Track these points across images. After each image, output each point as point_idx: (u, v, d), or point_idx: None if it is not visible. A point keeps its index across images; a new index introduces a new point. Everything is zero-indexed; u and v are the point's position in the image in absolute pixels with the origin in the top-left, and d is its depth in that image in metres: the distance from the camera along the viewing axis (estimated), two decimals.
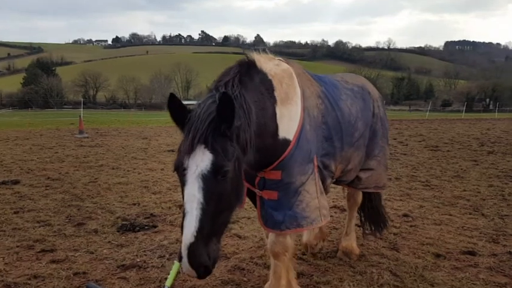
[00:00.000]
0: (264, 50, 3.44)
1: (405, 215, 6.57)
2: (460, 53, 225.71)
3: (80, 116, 21.73)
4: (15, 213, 6.50)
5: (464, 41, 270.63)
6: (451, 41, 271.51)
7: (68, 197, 7.54)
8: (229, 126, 2.54)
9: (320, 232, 4.92)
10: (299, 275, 4.37)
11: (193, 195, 2.43)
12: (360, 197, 4.84)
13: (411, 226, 6.05)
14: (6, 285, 4.06)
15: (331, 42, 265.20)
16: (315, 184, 3.40)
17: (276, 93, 3.16)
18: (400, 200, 7.62)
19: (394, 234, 5.67)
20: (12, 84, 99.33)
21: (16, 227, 5.83)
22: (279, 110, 3.16)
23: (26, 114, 44.85)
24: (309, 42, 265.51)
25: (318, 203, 3.41)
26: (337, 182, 4.27)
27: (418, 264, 4.66)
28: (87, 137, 18.58)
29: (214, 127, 2.52)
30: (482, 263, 4.73)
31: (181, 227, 2.44)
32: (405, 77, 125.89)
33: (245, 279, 4.28)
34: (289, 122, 3.22)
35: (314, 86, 3.64)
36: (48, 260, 4.69)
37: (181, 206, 2.76)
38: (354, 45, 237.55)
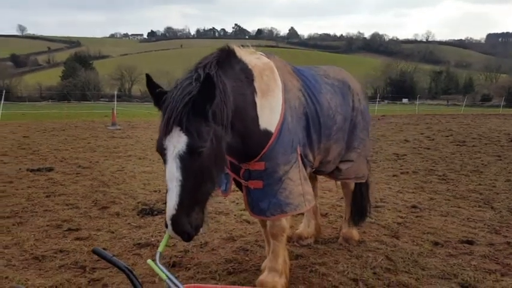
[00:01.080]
0: (246, 45, 3.62)
1: (413, 206, 6.73)
2: (502, 45, 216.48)
3: (112, 109, 22.61)
4: (47, 196, 7.10)
5: (507, 33, 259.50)
6: (494, 33, 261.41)
7: (96, 184, 8.11)
8: (210, 106, 2.77)
9: (315, 230, 5.17)
10: (298, 256, 4.70)
11: (172, 174, 2.68)
12: (352, 184, 5.06)
13: (417, 216, 6.23)
14: (35, 257, 4.58)
15: (367, 34, 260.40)
16: (298, 172, 3.64)
17: (256, 84, 3.36)
18: (413, 192, 7.78)
19: (398, 223, 5.88)
20: (51, 78, 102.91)
21: (47, 208, 6.40)
22: (259, 101, 3.36)
23: (64, 107, 46.70)
24: (344, 34, 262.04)
25: (302, 189, 3.65)
26: (317, 172, 4.48)
27: (414, 250, 4.88)
28: (119, 129, 19.39)
29: (189, 109, 2.70)
30: (478, 251, 4.90)
31: (165, 200, 2.75)
32: (443, 70, 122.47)
33: (247, 258, 4.63)
34: (270, 113, 3.43)
35: (295, 80, 3.85)
36: (73, 238, 5.20)
37: None
38: (391, 37, 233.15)
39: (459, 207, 6.73)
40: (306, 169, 3.86)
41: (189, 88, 2.79)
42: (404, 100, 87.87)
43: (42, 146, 13.21)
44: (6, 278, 4.05)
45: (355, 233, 5.14)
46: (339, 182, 5.16)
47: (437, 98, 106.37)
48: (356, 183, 5.02)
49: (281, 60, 3.89)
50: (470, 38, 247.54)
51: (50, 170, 9.36)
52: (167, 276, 2.54)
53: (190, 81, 2.86)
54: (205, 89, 2.71)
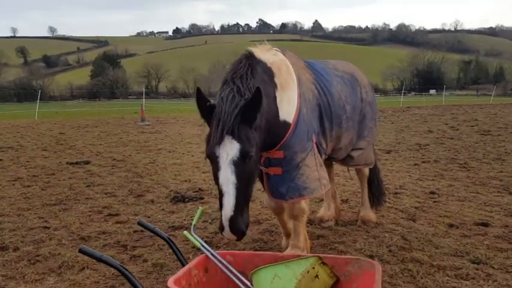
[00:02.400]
0: (263, 41, 4.00)
1: (432, 192, 6.97)
2: None
3: (141, 106, 23.39)
4: (87, 186, 7.69)
5: None
6: None
7: (130, 175, 8.68)
8: (258, 114, 3.15)
9: (335, 213, 5.49)
10: (319, 236, 5.06)
11: (227, 178, 2.99)
12: (367, 170, 5.37)
13: (434, 202, 6.47)
14: (81, 237, 5.11)
15: (393, 25, 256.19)
16: (314, 159, 3.99)
17: (276, 80, 3.71)
18: (432, 179, 7.99)
19: (415, 207, 6.15)
20: (81, 77, 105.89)
21: (88, 197, 6.98)
22: (279, 95, 3.72)
23: (94, 105, 48.16)
24: (369, 26, 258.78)
25: (318, 174, 3.99)
26: (330, 158, 4.81)
27: (429, 231, 5.16)
28: (148, 125, 20.11)
29: (239, 119, 3.05)
30: (492, 232, 5.11)
31: (220, 204, 3.04)
32: (472, 60, 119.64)
33: (272, 239, 5.03)
34: (288, 106, 3.78)
35: (308, 73, 4.20)
36: (114, 221, 5.72)
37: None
38: (417, 27, 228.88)
39: (477, 193, 6.92)
40: (321, 156, 4.20)
41: (236, 101, 3.15)
42: (432, 91, 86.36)
43: (78, 142, 14.00)
44: (59, 254, 4.57)
45: (372, 215, 5.46)
46: (353, 171, 5.51)
47: (467, 88, 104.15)
48: (371, 170, 5.36)
49: (294, 55, 4.24)
50: (501, 26, 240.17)
51: (87, 163, 10.02)
52: (200, 243, 2.97)
53: (233, 94, 3.21)
54: (255, 101, 3.09)
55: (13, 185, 7.94)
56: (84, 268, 4.22)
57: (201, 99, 3.21)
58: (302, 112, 3.89)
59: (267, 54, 3.85)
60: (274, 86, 3.73)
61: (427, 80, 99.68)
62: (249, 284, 2.71)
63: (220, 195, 3.04)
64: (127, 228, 5.39)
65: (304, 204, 4.13)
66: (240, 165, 3.03)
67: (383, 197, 5.65)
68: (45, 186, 7.77)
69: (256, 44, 3.93)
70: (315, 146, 4.05)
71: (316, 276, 2.50)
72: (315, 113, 4.11)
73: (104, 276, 4.07)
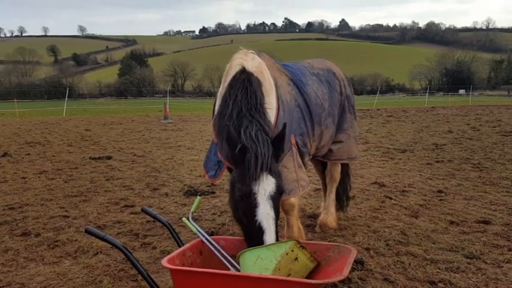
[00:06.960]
0: (239, 46, 4.10)
1: (439, 191, 7.06)
2: None
3: (165, 104, 23.96)
4: (107, 180, 8.11)
5: None
6: None
7: (149, 170, 9.08)
8: (282, 151, 3.32)
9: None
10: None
11: (268, 214, 3.00)
12: (337, 174, 5.36)
13: (440, 200, 6.58)
14: (98, 226, 5.48)
15: (422, 23, 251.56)
16: (292, 160, 4.10)
17: (263, 88, 3.74)
18: (443, 179, 8.06)
19: (420, 205, 6.28)
20: (110, 75, 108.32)
21: (107, 189, 7.38)
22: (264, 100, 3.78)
23: (121, 103, 49.27)
24: (397, 24, 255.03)
25: (296, 176, 4.06)
26: (314, 156, 4.92)
27: (429, 228, 5.30)
28: (171, 122, 20.61)
29: (272, 156, 3.15)
30: (492, 230, 5.21)
31: (258, 240, 2.98)
32: (504, 59, 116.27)
33: None
34: (269, 110, 3.77)
35: (284, 76, 4.33)
36: (129, 212, 6.08)
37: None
38: (447, 26, 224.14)
39: (485, 192, 6.98)
40: (304, 157, 4.35)
41: (265, 140, 3.22)
42: (461, 91, 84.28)
43: (102, 138, 14.57)
44: (76, 240, 4.95)
45: (330, 220, 5.29)
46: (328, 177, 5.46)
47: (498, 88, 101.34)
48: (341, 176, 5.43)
49: (270, 58, 4.35)
50: None
51: (109, 158, 10.49)
52: (197, 229, 3.26)
53: (260, 133, 3.27)
54: (282, 137, 3.27)
55: (38, 177, 8.45)
56: (97, 253, 4.59)
57: (232, 140, 3.20)
58: (280, 115, 3.96)
59: (249, 61, 3.83)
60: (262, 94, 3.74)
61: (456, 80, 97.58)
62: (237, 265, 2.98)
63: (259, 231, 3.00)
64: (140, 219, 5.74)
65: (293, 199, 4.25)
66: (277, 200, 3.11)
67: (348, 202, 5.73)
68: (68, 179, 8.24)
69: (238, 50, 4.03)
70: (293, 147, 4.16)
71: (296, 258, 2.74)
72: (296, 114, 4.24)
73: (115, 260, 4.42)
